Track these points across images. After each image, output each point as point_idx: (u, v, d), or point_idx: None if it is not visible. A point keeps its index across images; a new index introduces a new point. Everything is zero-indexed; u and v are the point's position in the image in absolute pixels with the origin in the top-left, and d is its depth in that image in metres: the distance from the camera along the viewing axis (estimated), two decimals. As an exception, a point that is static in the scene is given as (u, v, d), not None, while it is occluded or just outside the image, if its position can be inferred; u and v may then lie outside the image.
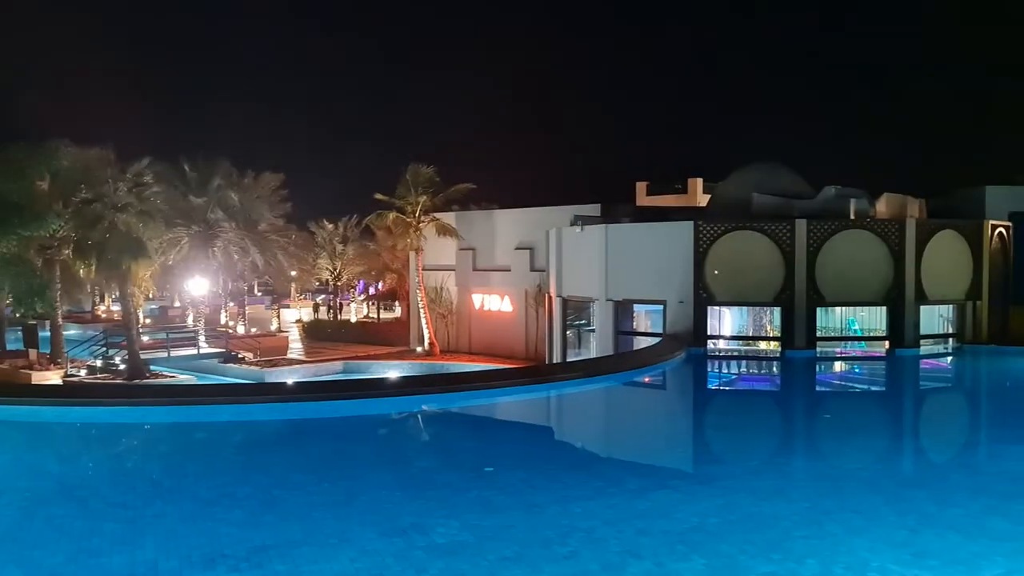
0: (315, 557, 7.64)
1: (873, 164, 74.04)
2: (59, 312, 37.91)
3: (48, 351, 39.16)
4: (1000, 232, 26.19)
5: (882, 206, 27.53)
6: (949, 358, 24.12)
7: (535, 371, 25.51)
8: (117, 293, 42.94)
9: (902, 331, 24.26)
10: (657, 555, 7.49)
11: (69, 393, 18.87)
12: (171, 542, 8.22)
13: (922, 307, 24.54)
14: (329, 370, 40.23)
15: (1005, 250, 26.30)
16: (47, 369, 35.38)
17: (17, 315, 40.21)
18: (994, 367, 22.43)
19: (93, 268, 36.16)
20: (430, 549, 7.85)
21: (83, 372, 37.56)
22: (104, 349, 42.31)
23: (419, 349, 43.04)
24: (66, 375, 35.49)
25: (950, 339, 25.27)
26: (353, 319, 61.11)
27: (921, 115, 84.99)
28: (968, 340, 25.09)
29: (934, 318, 25.06)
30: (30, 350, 40.56)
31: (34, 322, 41.06)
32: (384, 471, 11.94)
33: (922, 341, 24.55)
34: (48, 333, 39.85)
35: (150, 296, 47.44)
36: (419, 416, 15.86)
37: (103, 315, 55.18)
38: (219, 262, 44.87)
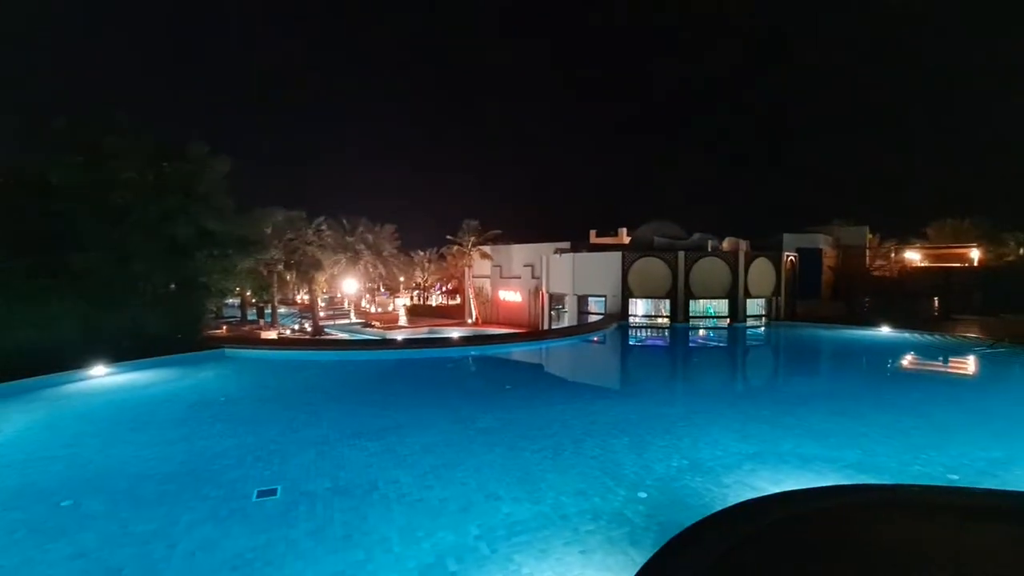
0: (413, 434, 7.68)
1: (723, 216, 72.29)
2: (275, 300, 38.13)
3: (270, 320, 39.43)
4: (791, 258, 25.91)
5: (726, 244, 27.25)
6: (763, 328, 23.84)
7: (534, 334, 25.44)
8: (306, 290, 43.05)
9: (736, 313, 24.09)
10: (602, 435, 7.48)
11: (280, 344, 19.00)
12: (335, 424, 8.28)
13: (748, 299, 24.36)
14: (420, 332, 40.21)
15: (794, 268, 26.03)
16: (269, 330, 35.53)
17: (253, 301, 40.52)
18: (787, 333, 22.20)
19: (294, 276, 36.33)
20: (475, 430, 7.88)
21: (287, 332, 37.70)
22: (299, 320, 42.57)
23: (469, 321, 42.87)
24: (279, 334, 35.71)
25: (763, 317, 24.95)
26: (433, 304, 60.94)
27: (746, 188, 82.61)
28: (773, 318, 24.81)
29: (754, 305, 24.81)
30: (260, 320, 40.84)
31: (262, 305, 41.34)
32: (450, 388, 11.97)
33: (748, 319, 24.32)
34: (270, 311, 40.14)
35: (324, 292, 47.30)
36: (469, 358, 15.86)
37: (299, 302, 55.15)
38: (361, 273, 44.79)
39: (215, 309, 20.63)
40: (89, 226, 11.81)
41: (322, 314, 43.14)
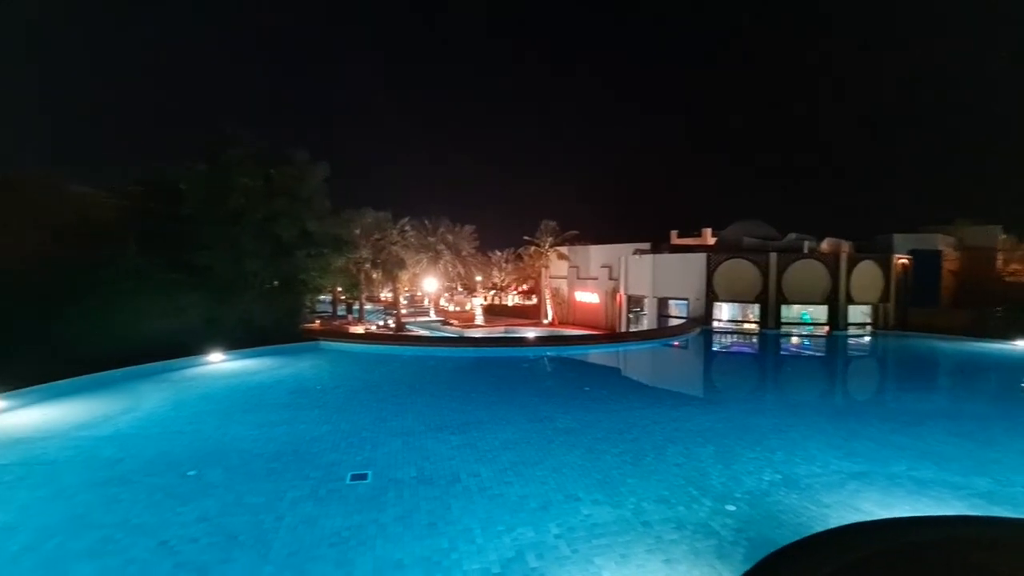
0: (493, 430, 7.84)
1: (821, 216, 66.49)
2: (362, 296, 40.49)
3: (357, 316, 41.91)
4: (903, 262, 23.37)
5: (825, 245, 25.18)
6: (868, 337, 21.71)
7: (613, 336, 24.96)
8: (390, 287, 45.28)
9: (836, 320, 22.10)
10: (685, 442, 7.22)
11: (367, 338, 20.11)
12: (419, 417, 8.62)
13: (850, 306, 22.28)
14: (496, 331, 40.87)
15: (906, 272, 23.45)
16: (357, 325, 37.78)
17: (343, 297, 43.16)
18: (898, 344, 20.05)
19: (379, 274, 38.35)
20: (554, 430, 7.88)
21: (373, 327, 39.85)
22: (384, 317, 44.92)
23: (545, 321, 42.97)
24: (365, 329, 37.89)
25: (868, 326, 22.74)
26: (509, 304, 61.66)
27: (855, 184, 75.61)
28: (880, 327, 22.54)
29: (857, 313, 22.66)
30: (348, 315, 43.56)
31: (351, 301, 43.96)
32: (528, 387, 12.04)
33: (850, 327, 22.26)
34: (357, 307, 42.67)
35: (406, 290, 49.47)
36: (546, 358, 15.87)
37: (382, 299, 58.13)
38: (441, 272, 46.36)
39: (310, 304, 22.24)
40: (210, 228, 13.33)
41: (404, 311, 45.21)
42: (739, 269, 22.87)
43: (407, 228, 39.46)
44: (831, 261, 22.46)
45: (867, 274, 22.57)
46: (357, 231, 32.47)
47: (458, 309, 56.19)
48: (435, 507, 5.26)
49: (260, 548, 4.51)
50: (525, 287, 64.95)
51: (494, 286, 64.30)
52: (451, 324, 43.14)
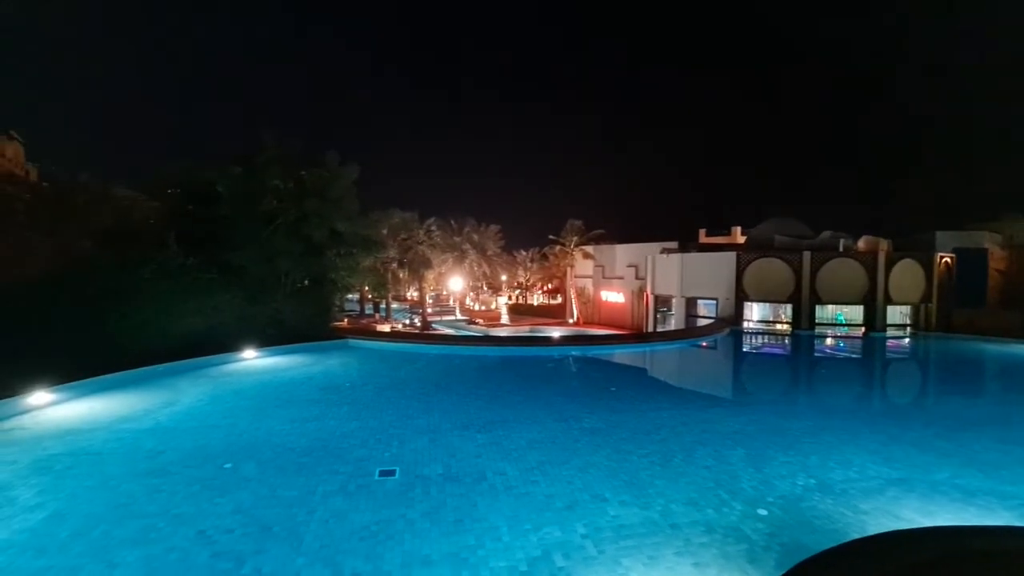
0: (518, 429, 7.85)
1: (856, 214, 64.39)
2: (389, 295, 41.10)
3: (384, 314, 42.54)
4: (946, 260, 22.40)
5: (862, 243, 24.40)
6: (907, 339, 20.92)
7: (641, 336, 24.68)
8: (416, 287, 45.79)
9: (874, 321, 21.35)
10: (714, 444, 7.10)
11: (394, 337, 20.39)
12: (445, 415, 8.70)
13: (889, 306, 21.49)
14: (522, 330, 40.88)
15: (949, 271, 22.48)
16: (384, 323, 38.35)
17: (370, 296, 43.85)
18: (940, 346, 19.25)
19: (406, 273, 38.84)
20: (580, 430, 7.85)
21: (399, 326, 40.38)
22: (410, 315, 45.47)
23: (570, 321, 42.80)
24: (391, 327, 38.44)
25: (907, 327, 21.91)
26: (534, 303, 61.63)
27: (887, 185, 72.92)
28: (921, 329, 21.69)
29: (895, 313, 21.85)
30: (375, 314, 44.24)
31: (378, 300, 44.65)
32: (553, 386, 12.02)
33: (888, 328, 21.48)
34: (384, 305, 43.31)
35: (431, 289, 49.96)
36: (571, 358, 15.80)
37: (408, 298, 58.90)
38: (466, 271, 46.65)
39: (339, 303, 22.67)
40: (244, 228, 13.76)
41: (429, 310, 45.65)
42: (770, 268, 22.34)
43: (433, 228, 39.86)
44: (868, 260, 21.73)
45: (907, 273, 21.75)
46: (384, 231, 32.88)
47: (483, 308, 56.48)
48: (461, 504, 5.30)
49: (293, 540, 4.62)
50: (550, 286, 64.90)
51: (519, 285, 64.38)
52: (477, 323, 43.37)
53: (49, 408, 8.77)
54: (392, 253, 35.37)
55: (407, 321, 42.92)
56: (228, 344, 13.16)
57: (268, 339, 14.06)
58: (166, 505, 5.34)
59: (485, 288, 62.67)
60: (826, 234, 24.88)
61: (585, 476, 5.98)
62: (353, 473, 6.13)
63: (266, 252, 14.05)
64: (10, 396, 8.49)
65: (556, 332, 34.31)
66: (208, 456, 6.73)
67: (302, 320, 14.95)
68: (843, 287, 21.70)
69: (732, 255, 23.38)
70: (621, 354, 16.69)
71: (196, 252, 13.16)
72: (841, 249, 23.09)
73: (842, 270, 21.72)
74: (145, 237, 12.76)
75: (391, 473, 6.13)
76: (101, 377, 10.10)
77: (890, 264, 21.56)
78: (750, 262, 22.63)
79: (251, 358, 13.27)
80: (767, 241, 25.19)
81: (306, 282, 16.27)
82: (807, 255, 21.89)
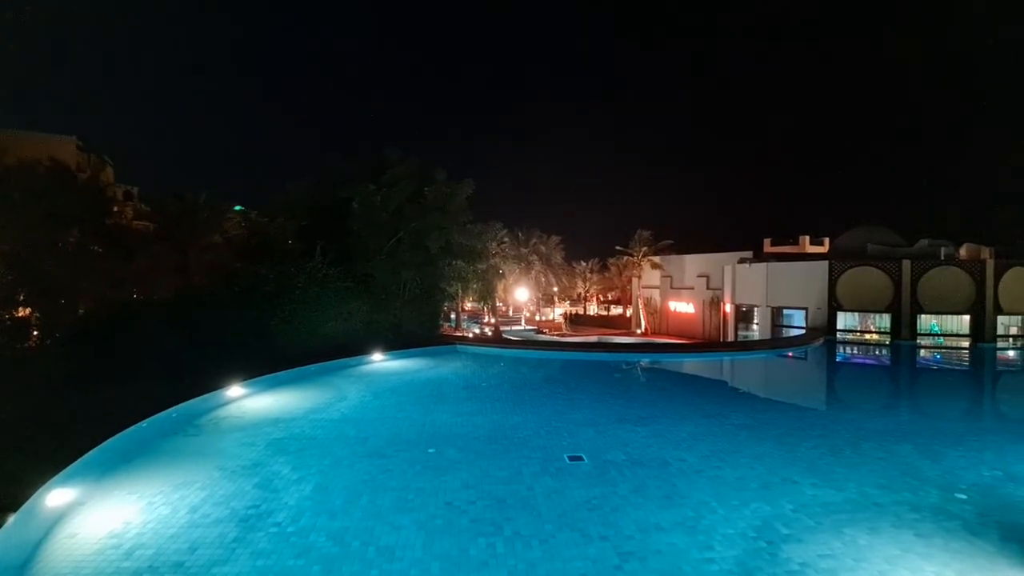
0: (672, 424, 8.37)
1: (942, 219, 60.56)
2: (459, 305, 42.39)
3: (453, 324, 43.72)
4: (1061, 267, 21.31)
5: (963, 251, 23.59)
6: (1018, 352, 20.06)
7: (744, 344, 24.28)
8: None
9: (983, 331, 20.54)
10: (877, 440, 7.40)
11: (498, 343, 20.80)
12: (593, 411, 9.18)
13: (998, 316, 20.64)
14: (590, 340, 41.14)
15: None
16: (455, 331, 39.60)
17: (471, 305, 44.88)
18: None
19: (479, 284, 40.11)
20: (732, 426, 8.27)
21: (469, 335, 41.62)
22: (479, 324, 46.62)
23: (638, 331, 42.88)
24: (473, 335, 39.57)
25: (1019, 339, 20.95)
26: (592, 314, 61.78)
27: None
28: (1032, 340, 20.74)
29: (1002, 324, 20.96)
30: (444, 323, 45.65)
31: (480, 310, 45.62)
32: (682, 389, 12.43)
33: (997, 339, 20.61)
34: (453, 316, 44.64)
35: (499, 300, 51.08)
36: (638, 365, 15.75)
37: (469, 308, 60.46)
38: (532, 282, 47.58)
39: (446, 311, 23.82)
40: (374, 240, 15.21)
41: (494, 320, 46.77)
42: (866, 277, 21.93)
43: (504, 239, 41.15)
44: (975, 268, 20.96)
45: (1020, 282, 20.81)
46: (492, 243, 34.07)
47: (542, 319, 57.17)
48: (661, 484, 5.87)
49: (531, 510, 5.11)
50: (609, 297, 64.81)
51: (579, 296, 64.70)
52: (544, 332, 44.13)
53: (241, 400, 10.07)
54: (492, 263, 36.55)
55: (477, 329, 44.07)
56: (355, 347, 14.50)
57: (388, 343, 15.34)
58: (404, 480, 5.94)
59: (542, 298, 63.51)
60: (924, 242, 24.17)
61: (763, 463, 6.51)
62: (544, 458, 6.77)
63: (393, 263, 15.44)
64: (216, 389, 9.89)
65: (633, 341, 34.39)
66: (408, 442, 7.55)
67: (417, 326, 16.19)
68: (947, 296, 21.01)
69: (824, 264, 23.09)
70: (737, 361, 16.87)
71: (335, 263, 14.67)
72: (943, 257, 22.38)
73: (945, 278, 21.05)
74: (290, 250, 14.35)
75: (579, 459, 6.83)
76: (275, 374, 11.46)
77: (999, 272, 20.71)
78: (843, 271, 22.28)
79: (379, 360, 14.53)
80: (858, 249, 24.69)
81: (420, 291, 17.60)
82: (907, 263, 21.36)
